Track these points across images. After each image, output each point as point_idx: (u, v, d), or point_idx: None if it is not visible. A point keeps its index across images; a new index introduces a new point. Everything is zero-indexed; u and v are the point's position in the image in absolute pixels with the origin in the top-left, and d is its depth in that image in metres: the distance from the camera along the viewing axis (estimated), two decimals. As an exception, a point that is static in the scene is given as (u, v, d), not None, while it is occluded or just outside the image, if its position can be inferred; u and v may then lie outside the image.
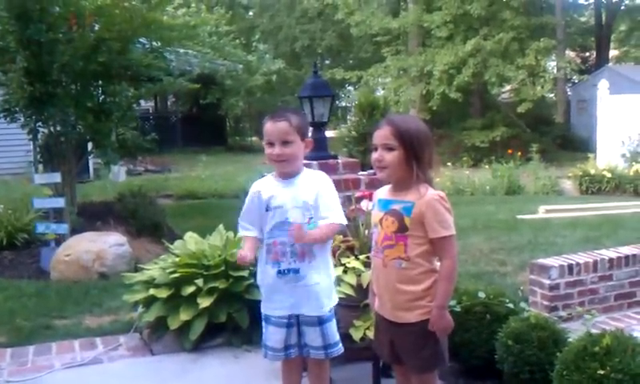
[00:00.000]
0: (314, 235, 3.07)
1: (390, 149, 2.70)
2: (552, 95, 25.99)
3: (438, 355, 2.79)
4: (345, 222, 3.22)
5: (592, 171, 14.35)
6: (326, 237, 3.15)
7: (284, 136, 3.08)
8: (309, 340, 3.23)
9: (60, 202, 7.49)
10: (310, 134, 3.39)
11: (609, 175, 14.03)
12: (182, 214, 10.60)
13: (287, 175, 3.17)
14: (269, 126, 3.12)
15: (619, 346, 3.07)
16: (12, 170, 13.52)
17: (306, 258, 3.11)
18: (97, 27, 8.08)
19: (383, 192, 2.85)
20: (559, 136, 23.29)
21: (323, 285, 3.15)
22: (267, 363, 3.75)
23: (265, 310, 3.28)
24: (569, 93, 26.73)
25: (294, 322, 3.22)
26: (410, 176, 2.70)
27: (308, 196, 3.11)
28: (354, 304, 3.11)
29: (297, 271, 3.11)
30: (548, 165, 16.56)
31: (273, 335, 3.25)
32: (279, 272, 3.14)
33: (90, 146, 9.49)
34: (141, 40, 9.02)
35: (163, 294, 4.55)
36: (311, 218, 3.10)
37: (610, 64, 27.98)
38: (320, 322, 3.19)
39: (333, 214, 3.12)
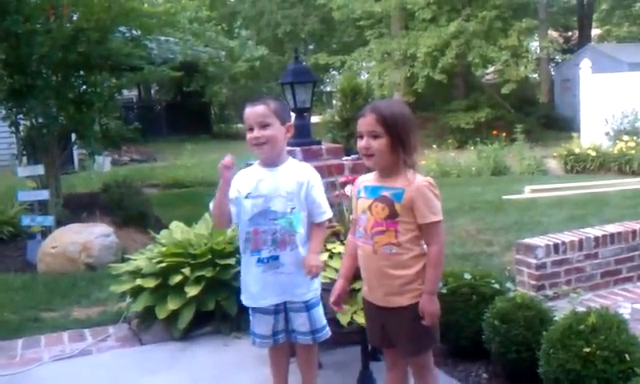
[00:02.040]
0: (318, 248, 3.16)
1: (375, 136, 2.70)
2: (535, 75, 26.04)
3: (431, 335, 2.83)
4: (331, 214, 3.26)
5: (577, 150, 14.42)
6: (324, 238, 3.24)
7: (262, 119, 3.09)
8: (296, 325, 3.24)
9: (44, 195, 7.45)
10: (291, 120, 3.37)
11: (593, 154, 14.11)
12: (168, 203, 10.57)
13: (271, 163, 3.16)
14: (247, 111, 3.13)
15: (605, 324, 3.10)
16: (-5, 163, 13.41)
17: (287, 247, 3.11)
18: (75, 17, 8.00)
19: (369, 178, 2.85)
20: (543, 116, 23.34)
21: (302, 273, 3.14)
22: (256, 350, 3.74)
23: (247, 302, 3.28)
24: (552, 73, 26.77)
25: (282, 309, 3.23)
26: (397, 162, 2.71)
27: (292, 186, 3.11)
28: (341, 289, 3.12)
29: (276, 258, 3.12)
30: (533, 145, 16.63)
31: (260, 323, 3.27)
32: (259, 260, 3.14)
33: (73, 137, 9.42)
34: (120, 29, 8.94)
35: (150, 283, 4.54)
36: (293, 208, 3.11)
37: (593, 43, 28.05)
38: (307, 307, 3.21)
39: (324, 211, 3.19)
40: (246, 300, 3.29)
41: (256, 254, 3.15)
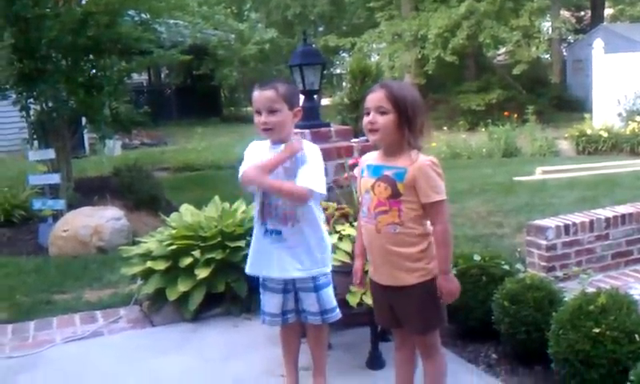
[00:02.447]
0: (275, 184, 3.03)
1: (383, 112, 2.69)
2: (547, 56, 25.78)
3: (438, 315, 2.83)
4: (321, 191, 3.08)
5: (588, 131, 14.32)
6: (289, 193, 3.04)
7: (270, 104, 3.08)
8: (306, 305, 3.26)
9: (55, 178, 7.48)
10: (300, 104, 3.36)
11: (605, 135, 14.01)
12: (179, 186, 10.60)
13: (277, 141, 3.17)
14: (256, 95, 3.12)
15: (614, 305, 3.10)
16: (6, 147, 13.50)
17: (289, 222, 3.12)
18: (84, 1, 8.00)
19: (372, 157, 2.85)
20: (555, 97, 23.14)
21: (307, 249, 3.15)
22: (267, 330, 3.78)
23: (250, 270, 3.30)
24: (564, 53, 26.52)
25: (291, 288, 3.25)
26: (402, 141, 2.70)
27: (291, 162, 3.10)
28: (350, 270, 3.12)
29: (279, 233, 3.14)
30: (544, 126, 16.52)
31: (270, 301, 3.29)
32: (265, 231, 3.18)
33: (83, 121, 9.45)
34: (129, 13, 8.93)
35: (161, 266, 4.57)
36: None
37: (605, 23, 27.71)
38: (316, 288, 3.21)
39: (307, 180, 3.03)
40: (249, 267, 3.31)
41: (264, 226, 3.19)
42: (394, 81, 3.00)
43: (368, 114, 2.73)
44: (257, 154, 3.17)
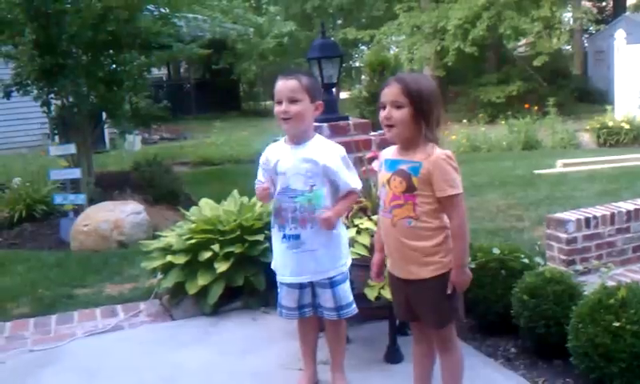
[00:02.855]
0: (339, 212, 3.14)
1: (398, 106, 2.68)
2: (569, 47, 25.58)
3: (454, 309, 2.81)
4: (360, 186, 3.25)
5: (610, 123, 14.14)
6: (349, 206, 3.24)
7: (292, 94, 3.08)
8: (322, 301, 3.27)
9: (76, 173, 7.55)
10: (321, 98, 3.35)
11: (627, 127, 13.83)
12: (198, 180, 10.66)
13: (295, 140, 3.17)
14: (279, 84, 3.12)
15: (634, 298, 3.07)
16: (28, 142, 13.62)
17: (307, 225, 3.12)
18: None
19: (390, 152, 2.84)
20: (576, 88, 22.92)
21: (326, 251, 3.16)
22: (285, 324, 3.80)
23: (276, 273, 3.33)
24: (585, 44, 26.26)
25: (307, 284, 3.26)
26: (418, 135, 2.69)
27: (311, 164, 3.11)
28: (368, 264, 3.11)
29: (297, 237, 3.14)
30: (565, 118, 16.38)
31: (287, 295, 3.31)
32: (284, 237, 3.18)
33: (104, 116, 9.52)
34: (149, 7, 8.97)
35: (181, 260, 4.60)
36: (313, 185, 3.11)
37: (628, 13, 27.36)
38: (332, 284, 3.22)
39: (350, 181, 3.17)
40: (274, 266, 3.34)
41: (281, 230, 3.19)
42: (409, 73, 3.00)
43: (384, 108, 2.72)
44: (276, 156, 3.17)
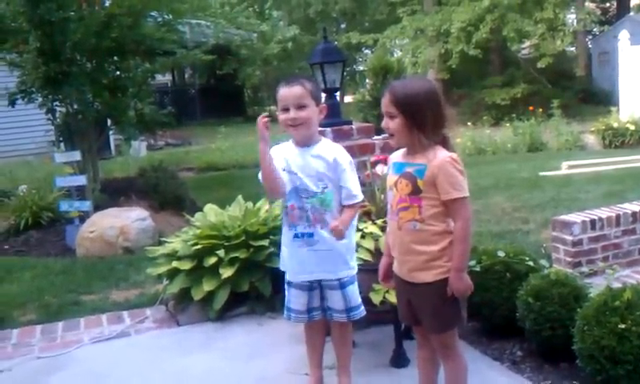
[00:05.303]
0: (347, 221, 3.12)
1: (391, 116, 2.70)
2: (572, 49, 25.50)
3: (455, 315, 2.79)
4: (361, 197, 3.24)
5: (615, 124, 14.12)
6: (354, 215, 3.20)
7: (299, 100, 3.08)
8: (331, 303, 3.26)
9: (82, 180, 7.57)
10: (323, 101, 3.36)
11: (632, 128, 13.81)
12: (203, 186, 10.67)
13: (304, 143, 3.17)
14: (283, 91, 3.11)
15: (640, 300, 3.06)
16: (33, 150, 13.63)
17: (318, 224, 3.13)
18: (107, 3, 8.08)
19: (398, 155, 2.85)
20: (581, 90, 22.88)
21: (338, 249, 3.16)
22: (291, 328, 3.80)
23: (283, 268, 3.33)
24: (589, 45, 26.20)
25: (317, 286, 3.26)
26: (416, 141, 2.69)
27: (322, 167, 3.11)
28: (373, 268, 3.11)
29: (311, 235, 3.14)
30: (570, 120, 16.35)
31: (296, 298, 3.30)
32: (295, 235, 3.18)
33: (109, 122, 9.54)
34: (152, 14, 9.00)
35: (186, 265, 4.61)
36: (325, 187, 3.11)
37: (631, 13, 27.29)
38: (341, 285, 3.22)
39: (355, 195, 3.17)
40: (282, 267, 3.34)
41: (293, 229, 3.19)
42: (402, 80, 2.98)
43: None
44: (283, 157, 3.17)
